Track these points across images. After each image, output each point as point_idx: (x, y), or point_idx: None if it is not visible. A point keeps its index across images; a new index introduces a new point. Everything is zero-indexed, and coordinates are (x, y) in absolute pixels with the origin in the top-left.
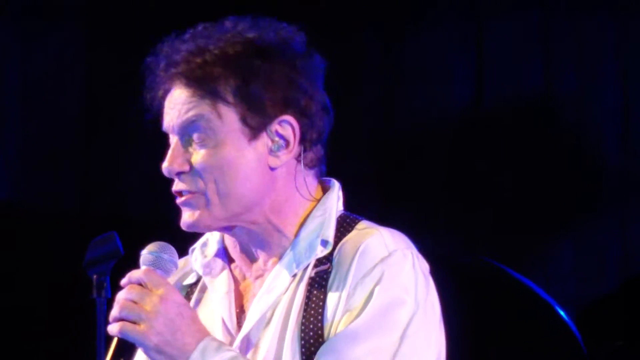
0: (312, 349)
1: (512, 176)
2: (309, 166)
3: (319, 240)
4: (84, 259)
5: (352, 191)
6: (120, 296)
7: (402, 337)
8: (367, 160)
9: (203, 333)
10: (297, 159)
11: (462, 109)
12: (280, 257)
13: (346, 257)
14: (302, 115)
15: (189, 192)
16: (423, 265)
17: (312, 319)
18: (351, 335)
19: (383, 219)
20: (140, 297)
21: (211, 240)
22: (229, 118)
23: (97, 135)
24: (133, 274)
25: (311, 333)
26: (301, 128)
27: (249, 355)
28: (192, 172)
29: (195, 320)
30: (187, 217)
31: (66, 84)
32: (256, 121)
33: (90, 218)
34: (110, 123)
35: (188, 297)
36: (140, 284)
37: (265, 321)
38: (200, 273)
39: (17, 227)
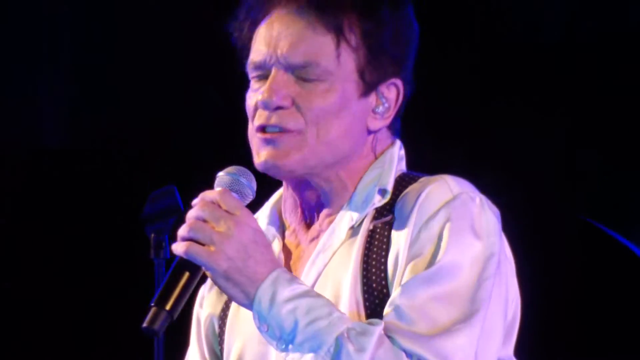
0: (377, 301)
1: None
2: (393, 134)
3: (376, 190)
4: (141, 214)
5: None
6: (191, 214)
7: (477, 283)
8: None
9: (275, 263)
10: (388, 125)
11: None
12: (336, 215)
13: (409, 204)
14: (406, 81)
15: (285, 129)
16: (494, 209)
17: (374, 270)
18: (425, 280)
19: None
20: (213, 217)
21: (261, 216)
22: (348, 66)
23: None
24: (207, 194)
25: (374, 285)
26: (404, 93)
27: None
28: (295, 109)
29: (269, 249)
30: (273, 157)
31: None
32: (373, 77)
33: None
34: None
35: None
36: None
37: (323, 281)
38: None
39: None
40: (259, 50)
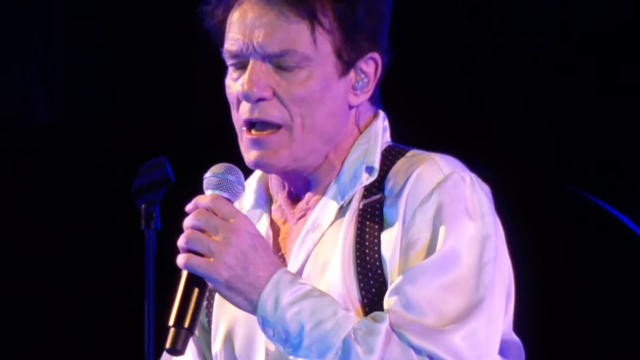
0: (372, 282)
1: None
2: (374, 104)
3: (363, 167)
4: (132, 186)
5: None
6: (187, 223)
7: (478, 268)
8: None
9: (276, 266)
10: (369, 98)
11: None
12: (324, 193)
13: (399, 185)
14: (383, 51)
15: (270, 123)
16: (485, 188)
17: (367, 250)
18: (428, 269)
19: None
20: (209, 226)
21: (247, 190)
22: (325, 49)
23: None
24: (200, 200)
25: (368, 266)
26: (382, 66)
27: None
28: (278, 100)
29: (268, 252)
30: (262, 157)
31: None
32: (350, 56)
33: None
34: None
35: None
36: (208, 211)
37: (313, 261)
38: None
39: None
40: (234, 39)
